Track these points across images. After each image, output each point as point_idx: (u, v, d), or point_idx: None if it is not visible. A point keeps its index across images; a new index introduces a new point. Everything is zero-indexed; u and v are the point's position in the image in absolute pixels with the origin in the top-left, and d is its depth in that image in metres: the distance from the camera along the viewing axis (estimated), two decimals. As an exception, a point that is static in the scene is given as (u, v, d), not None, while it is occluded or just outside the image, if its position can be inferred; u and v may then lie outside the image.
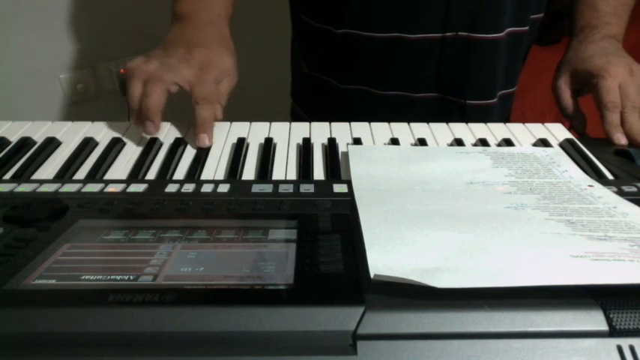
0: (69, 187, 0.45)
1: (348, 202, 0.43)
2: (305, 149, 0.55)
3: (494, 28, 0.70)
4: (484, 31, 0.70)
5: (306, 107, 0.87)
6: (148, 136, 0.57)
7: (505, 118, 0.83)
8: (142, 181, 0.48)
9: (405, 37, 0.70)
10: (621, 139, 0.62)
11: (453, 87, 0.74)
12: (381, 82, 0.76)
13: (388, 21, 0.70)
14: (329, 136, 0.58)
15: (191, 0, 0.64)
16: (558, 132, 0.62)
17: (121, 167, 0.52)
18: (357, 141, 0.58)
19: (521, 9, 0.72)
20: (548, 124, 0.64)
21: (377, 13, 0.70)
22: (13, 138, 0.57)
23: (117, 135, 0.58)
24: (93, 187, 0.45)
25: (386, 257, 0.33)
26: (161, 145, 0.57)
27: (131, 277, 0.32)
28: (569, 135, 0.61)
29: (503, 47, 0.72)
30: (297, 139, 0.58)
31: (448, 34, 0.70)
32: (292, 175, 0.51)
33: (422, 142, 0.58)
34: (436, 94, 0.75)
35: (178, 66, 0.56)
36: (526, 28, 0.74)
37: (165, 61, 0.57)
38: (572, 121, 0.70)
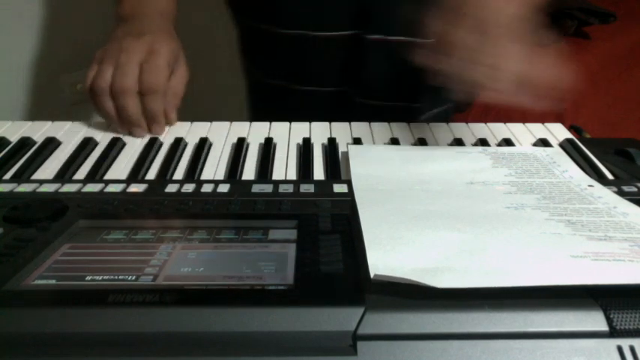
0: (69, 187, 0.45)
1: (348, 202, 0.43)
2: (305, 149, 0.55)
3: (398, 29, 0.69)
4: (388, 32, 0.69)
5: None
6: (148, 136, 0.58)
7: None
8: (142, 181, 0.48)
9: (312, 35, 0.69)
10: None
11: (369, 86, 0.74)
12: (299, 78, 0.75)
13: (295, 17, 0.69)
14: (329, 136, 0.58)
15: (133, 2, 0.65)
16: (558, 132, 0.62)
17: (121, 167, 0.52)
18: (357, 141, 0.58)
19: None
20: (548, 124, 0.64)
21: (285, 8, 0.69)
22: (13, 138, 0.57)
23: (117, 135, 0.58)
24: (93, 187, 0.45)
25: (386, 257, 0.33)
26: (161, 145, 0.57)
27: (131, 278, 0.32)
28: (569, 135, 0.61)
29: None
30: (297, 139, 0.58)
31: (346, 32, 0.69)
32: (292, 175, 0.51)
33: (422, 142, 0.58)
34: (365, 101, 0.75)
35: (128, 62, 0.55)
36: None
37: (117, 63, 0.56)
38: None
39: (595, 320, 0.30)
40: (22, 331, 0.28)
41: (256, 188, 0.46)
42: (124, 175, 0.50)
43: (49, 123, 0.60)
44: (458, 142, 0.59)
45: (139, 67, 0.56)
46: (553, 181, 0.48)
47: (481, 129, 0.62)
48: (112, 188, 0.45)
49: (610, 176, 0.52)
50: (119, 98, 0.55)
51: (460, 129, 0.62)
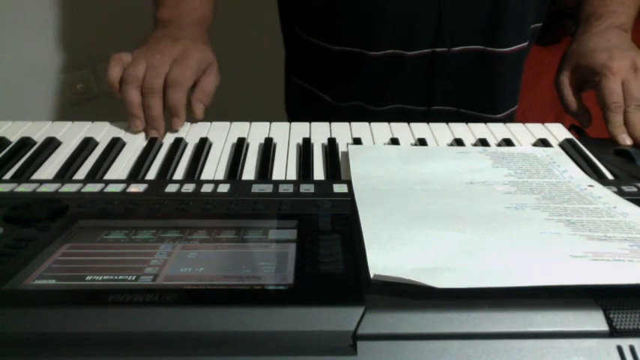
0: (69, 187, 0.45)
1: (348, 202, 0.43)
2: (305, 149, 0.55)
3: (500, 42, 0.70)
4: (494, 44, 0.70)
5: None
6: (149, 136, 0.58)
7: None
8: (142, 181, 0.48)
9: (402, 54, 0.70)
10: (626, 140, 0.61)
11: (468, 101, 0.75)
12: (378, 97, 0.76)
13: (385, 39, 0.70)
14: (329, 136, 0.58)
15: (173, 7, 0.67)
16: (558, 132, 0.62)
17: (121, 167, 0.52)
18: (357, 141, 0.58)
19: (522, 22, 0.71)
20: (548, 124, 0.64)
21: (374, 31, 0.70)
22: (13, 138, 0.57)
23: (117, 135, 0.58)
24: (93, 187, 0.45)
25: (386, 257, 0.33)
26: (161, 145, 0.57)
27: (131, 278, 0.32)
28: (569, 135, 0.61)
29: (509, 61, 0.72)
30: (297, 139, 0.58)
31: (439, 49, 0.70)
32: (292, 175, 0.51)
33: (422, 142, 0.58)
34: (450, 108, 0.75)
35: (161, 63, 0.58)
36: (526, 43, 0.74)
37: (151, 62, 0.58)
38: (577, 118, 0.69)
39: (595, 320, 0.30)
40: (22, 331, 0.28)
41: (256, 188, 0.45)
42: (124, 175, 0.50)
43: (49, 123, 0.60)
44: (458, 142, 0.59)
45: (170, 67, 0.58)
46: (553, 181, 0.48)
47: (481, 129, 0.62)
48: (112, 188, 0.45)
49: (610, 176, 0.52)
50: (147, 97, 0.57)
51: (460, 129, 0.62)
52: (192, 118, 0.61)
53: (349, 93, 0.77)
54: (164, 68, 0.58)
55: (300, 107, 0.86)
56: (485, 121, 0.74)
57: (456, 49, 0.70)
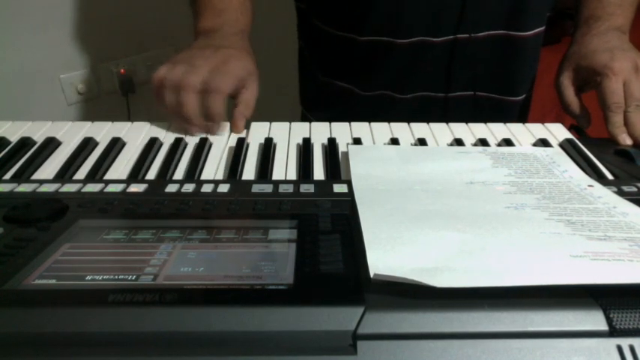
0: (69, 187, 0.45)
1: (348, 202, 0.43)
2: (305, 149, 0.55)
3: (522, 26, 0.71)
4: (517, 29, 0.71)
5: (320, 116, 0.86)
6: (148, 136, 0.58)
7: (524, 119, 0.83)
8: (142, 181, 0.48)
9: (429, 41, 0.71)
10: (627, 140, 0.61)
11: (487, 84, 0.76)
12: (404, 85, 0.76)
13: (414, 26, 0.70)
14: (329, 136, 0.58)
15: (214, 17, 0.67)
16: (558, 132, 0.62)
17: (121, 167, 0.52)
18: (357, 141, 0.58)
19: (543, 5, 0.72)
20: (548, 124, 0.64)
21: (404, 19, 0.70)
22: (13, 138, 0.57)
23: (117, 135, 0.58)
24: (93, 187, 0.45)
25: (386, 257, 0.33)
26: (161, 145, 0.57)
27: (131, 277, 0.32)
28: (569, 135, 0.61)
29: (530, 45, 0.73)
30: (297, 139, 0.58)
31: (462, 35, 0.70)
32: (292, 175, 0.51)
33: (422, 142, 0.58)
34: (468, 93, 0.76)
35: (202, 65, 0.58)
36: (544, 27, 0.74)
37: (191, 63, 0.58)
38: (576, 119, 0.69)
39: (595, 320, 0.30)
40: (22, 331, 0.28)
41: (256, 188, 0.46)
42: (124, 175, 0.50)
43: (49, 123, 0.60)
44: (458, 142, 0.59)
45: (209, 72, 0.57)
46: (553, 181, 0.48)
47: (481, 129, 0.62)
48: (112, 188, 0.45)
49: (610, 176, 0.52)
50: (180, 93, 0.57)
51: (460, 129, 0.62)
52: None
53: (376, 82, 0.77)
54: (203, 69, 0.57)
55: (322, 100, 0.86)
56: (504, 103, 0.76)
57: (480, 34, 0.71)
